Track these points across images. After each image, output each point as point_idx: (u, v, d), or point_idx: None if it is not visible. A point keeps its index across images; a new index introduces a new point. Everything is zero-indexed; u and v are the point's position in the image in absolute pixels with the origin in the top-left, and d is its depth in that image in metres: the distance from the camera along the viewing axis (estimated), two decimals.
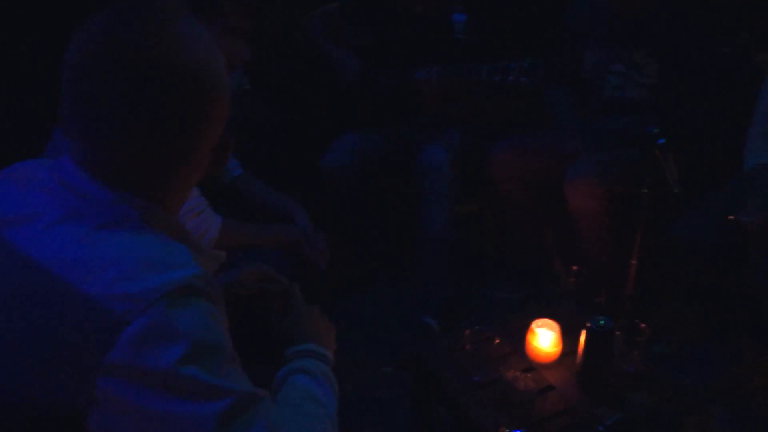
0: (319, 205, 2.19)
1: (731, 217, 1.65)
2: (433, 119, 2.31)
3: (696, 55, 1.93)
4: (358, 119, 2.37)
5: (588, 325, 1.41)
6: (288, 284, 1.17)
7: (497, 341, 1.53)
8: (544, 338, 1.54)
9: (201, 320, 0.70)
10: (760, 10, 2.67)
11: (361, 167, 2.24)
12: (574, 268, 1.74)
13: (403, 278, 2.37)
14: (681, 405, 1.44)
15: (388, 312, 2.30)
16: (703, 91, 1.97)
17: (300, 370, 0.94)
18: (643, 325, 1.51)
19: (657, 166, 1.49)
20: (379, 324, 2.25)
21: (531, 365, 1.54)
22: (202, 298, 0.71)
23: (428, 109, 2.22)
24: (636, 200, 1.66)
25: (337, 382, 0.98)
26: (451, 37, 2.22)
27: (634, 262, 1.63)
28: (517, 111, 2.50)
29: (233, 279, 1.16)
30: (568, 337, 1.55)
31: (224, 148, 0.87)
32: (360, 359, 2.07)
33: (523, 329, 1.57)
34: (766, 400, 1.83)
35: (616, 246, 1.98)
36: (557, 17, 2.28)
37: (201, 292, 0.71)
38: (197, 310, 0.70)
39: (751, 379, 1.88)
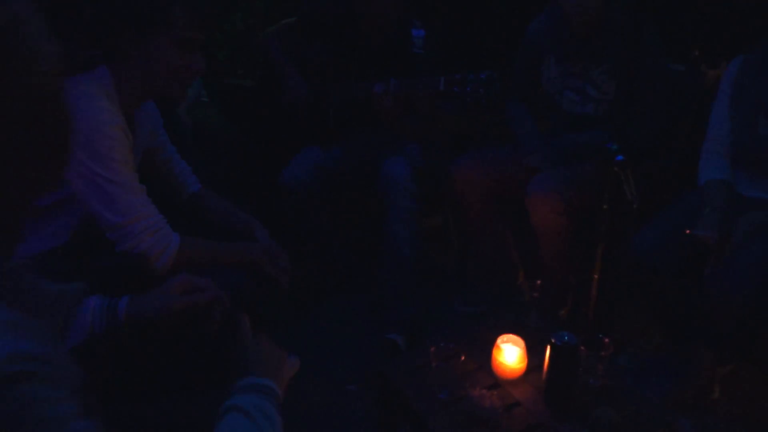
0: (280, 221, 2.15)
1: (688, 232, 1.68)
2: (394, 133, 2.30)
3: (650, 72, 1.98)
4: (317, 134, 2.34)
5: (552, 340, 1.41)
6: (229, 308, 1.11)
7: (462, 358, 1.51)
8: (510, 354, 1.53)
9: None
10: (709, 29, 2.77)
11: (321, 182, 2.22)
12: (538, 282, 1.74)
13: (368, 294, 2.35)
14: (646, 419, 1.45)
15: (352, 329, 2.28)
16: (657, 108, 2.02)
17: (233, 407, 0.88)
18: (606, 340, 1.52)
19: (616, 182, 1.51)
20: (344, 341, 2.22)
21: (497, 381, 1.53)
22: (23, 383, 0.56)
23: (387, 122, 2.22)
24: (596, 215, 1.67)
25: (280, 415, 0.93)
26: (409, 52, 2.22)
27: (596, 276, 1.65)
28: (476, 125, 2.51)
29: (163, 304, 1.10)
30: (534, 352, 1.55)
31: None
32: (325, 377, 2.03)
33: (489, 345, 1.56)
34: (725, 411, 1.88)
35: (578, 260, 2.00)
36: (515, 33, 2.32)
37: (19, 377, 0.55)
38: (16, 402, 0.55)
39: (711, 391, 1.92)
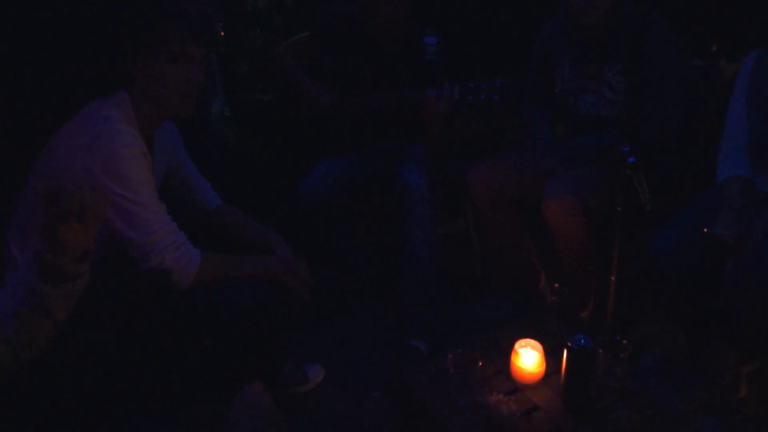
0: (300, 232, 2.20)
1: (705, 230, 1.66)
2: (422, 143, 2.29)
3: (661, 72, 1.96)
4: (335, 144, 2.38)
5: (568, 344, 1.41)
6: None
7: (480, 363, 1.53)
8: (528, 359, 1.54)
9: None
10: (727, 22, 2.72)
11: (339, 192, 2.25)
12: (556, 285, 1.75)
13: (389, 301, 2.38)
14: (667, 420, 1.44)
15: (375, 336, 2.30)
16: (670, 108, 2.00)
17: None
18: (624, 341, 1.52)
19: (629, 184, 1.51)
20: (367, 349, 2.24)
21: (516, 386, 1.54)
22: None
23: (438, 128, 2.16)
24: (612, 216, 1.67)
25: None
26: (423, 59, 2.24)
27: (613, 278, 1.65)
28: (493, 130, 2.52)
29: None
30: (552, 356, 1.55)
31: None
32: (348, 385, 2.06)
33: (508, 350, 1.58)
34: (753, 411, 1.85)
35: (596, 262, 1.99)
36: (528, 37, 2.32)
37: None
38: None
39: (736, 390, 1.89)
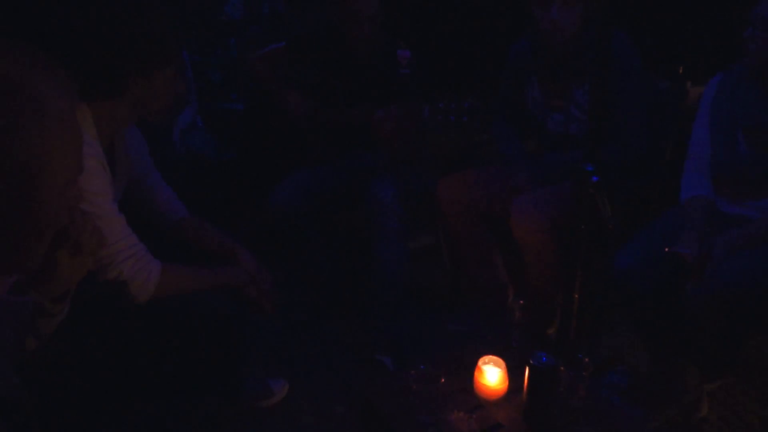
0: (270, 244, 2.18)
1: (667, 249, 1.69)
2: (390, 156, 2.32)
3: (624, 92, 1.99)
4: (306, 156, 2.37)
5: (531, 361, 1.41)
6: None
7: (443, 380, 1.52)
8: (491, 375, 1.54)
9: None
10: (693, 46, 2.79)
11: (310, 204, 2.24)
12: (521, 302, 1.75)
13: (357, 315, 2.36)
14: None
15: (342, 349, 2.29)
16: (633, 127, 2.03)
17: None
18: (586, 359, 1.53)
19: (593, 203, 1.52)
20: (334, 362, 2.23)
21: (479, 403, 1.54)
22: None
23: (385, 146, 2.23)
24: (577, 234, 1.68)
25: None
26: (396, 72, 2.25)
27: (576, 295, 1.66)
28: (462, 146, 2.54)
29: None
30: (516, 373, 1.55)
31: None
32: (313, 399, 2.04)
33: (471, 366, 1.57)
34: (714, 430, 1.87)
35: (562, 279, 2.01)
36: (498, 54, 2.34)
37: None
38: None
39: (698, 409, 1.91)
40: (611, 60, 1.97)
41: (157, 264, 1.50)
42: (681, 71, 2.38)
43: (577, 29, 2.00)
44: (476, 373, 1.55)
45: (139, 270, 1.46)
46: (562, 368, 1.49)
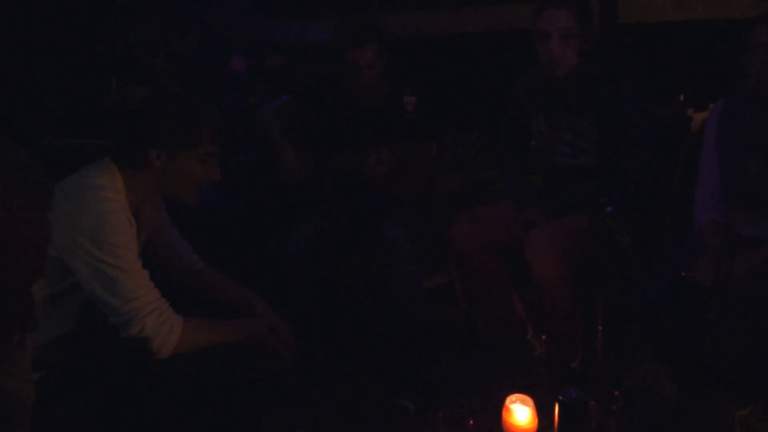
0: (284, 293, 2.17)
1: (683, 274, 1.68)
2: (390, 198, 2.35)
3: (630, 122, 2.02)
4: (316, 204, 2.39)
5: (560, 397, 1.39)
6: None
7: (471, 422, 1.49)
8: (520, 415, 1.51)
9: None
10: (692, 74, 2.83)
11: (322, 251, 2.25)
12: (543, 337, 1.74)
13: (376, 359, 2.34)
14: None
15: (363, 396, 2.25)
16: (642, 156, 2.05)
17: None
18: (616, 392, 1.50)
19: (609, 233, 1.52)
20: (354, 409, 2.19)
21: None
22: None
23: (382, 188, 2.27)
24: (594, 265, 1.68)
25: None
26: (402, 117, 2.30)
27: (600, 327, 1.64)
28: (471, 183, 2.56)
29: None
30: (544, 410, 1.53)
31: None
32: None
33: (498, 406, 1.55)
34: None
35: (582, 312, 1.99)
36: (503, 91, 2.38)
37: None
38: None
39: None
40: (617, 93, 2.01)
41: (178, 319, 1.50)
42: (682, 99, 2.41)
43: (577, 61, 2.04)
44: (504, 413, 1.53)
45: (162, 324, 1.46)
46: (592, 402, 1.46)
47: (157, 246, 1.74)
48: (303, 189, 2.40)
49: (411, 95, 2.30)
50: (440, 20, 3.57)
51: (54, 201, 0.81)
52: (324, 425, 2.09)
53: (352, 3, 3.48)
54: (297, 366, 1.79)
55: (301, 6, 3.91)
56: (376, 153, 2.19)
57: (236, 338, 1.60)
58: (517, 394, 1.54)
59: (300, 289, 2.25)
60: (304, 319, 2.20)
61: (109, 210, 1.44)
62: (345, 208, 2.40)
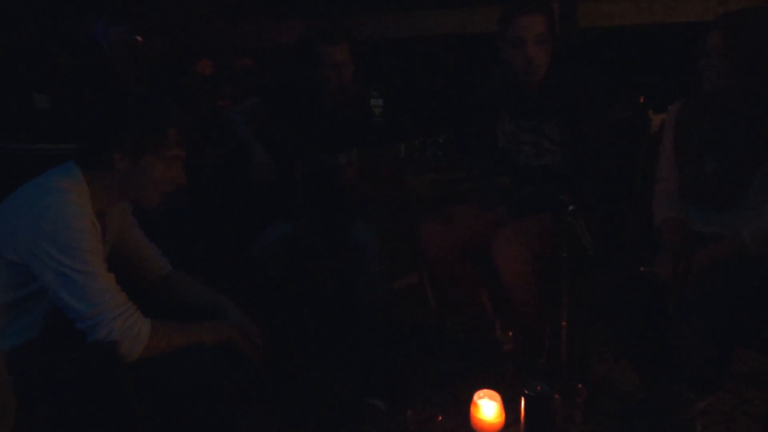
0: (254, 296, 2.17)
1: (642, 269, 1.74)
2: (359, 200, 2.37)
3: (594, 125, 2.07)
4: (285, 207, 2.39)
5: (526, 392, 1.43)
6: None
7: (440, 418, 1.52)
8: (487, 410, 1.55)
9: None
10: (652, 77, 2.92)
11: (292, 253, 2.25)
12: (510, 334, 1.77)
13: (347, 360, 2.35)
14: None
15: (334, 397, 2.26)
16: (604, 157, 2.10)
17: None
18: (580, 386, 1.54)
19: (571, 231, 1.57)
20: (326, 410, 2.20)
21: None
22: None
23: (352, 190, 2.29)
24: (558, 263, 1.72)
25: None
26: (369, 121, 2.31)
27: (564, 323, 1.68)
28: (440, 185, 2.59)
29: None
30: (511, 404, 1.56)
31: None
32: None
33: (467, 402, 1.58)
34: None
35: (548, 308, 2.04)
36: (470, 93, 2.42)
37: None
38: None
39: (692, 427, 1.92)
40: (581, 96, 2.06)
41: (146, 322, 1.49)
42: (642, 101, 2.48)
43: (547, 67, 2.08)
44: (472, 409, 1.56)
45: (129, 327, 1.45)
46: (556, 396, 1.50)
47: (124, 249, 1.72)
48: (273, 191, 2.40)
49: (378, 97, 2.32)
50: (407, 23, 3.61)
51: None
52: (295, 426, 2.09)
53: (319, 6, 3.50)
54: (267, 368, 1.79)
55: (269, 9, 3.91)
56: (344, 155, 2.21)
57: (206, 340, 1.59)
58: (485, 390, 1.58)
59: (270, 291, 2.24)
60: (274, 321, 2.19)
61: (73, 214, 1.43)
62: (314, 211, 2.41)
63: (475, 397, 1.56)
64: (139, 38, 3.07)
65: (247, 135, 2.40)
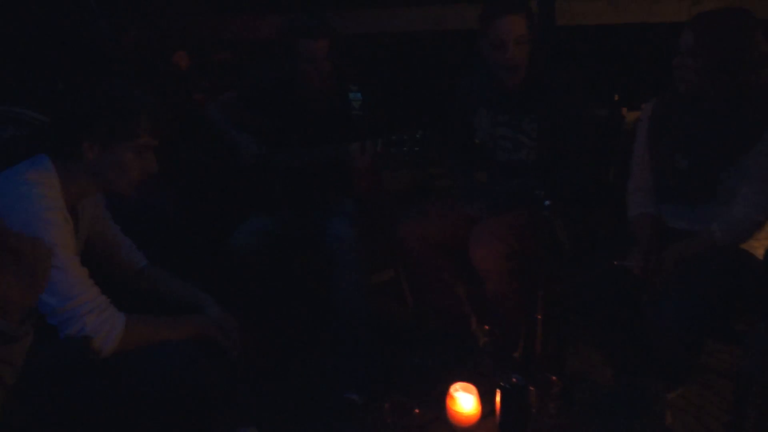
0: (232, 290, 2.16)
1: (615, 263, 1.77)
2: (340, 194, 2.36)
3: (572, 122, 2.10)
4: (263, 200, 2.38)
5: (501, 383, 1.44)
6: None
7: (417, 411, 1.53)
8: (464, 402, 1.56)
9: None
10: (627, 74, 2.96)
11: (270, 247, 2.24)
12: (486, 327, 1.79)
13: (322, 355, 2.35)
14: None
15: (311, 391, 2.26)
16: (581, 154, 2.13)
17: None
18: (554, 378, 1.57)
19: (547, 226, 1.59)
20: (302, 404, 2.20)
21: (454, 430, 1.56)
22: None
23: (363, 181, 2.26)
24: (535, 257, 1.75)
25: None
26: (348, 114, 2.31)
27: (540, 316, 1.71)
28: (418, 180, 2.60)
29: None
30: (488, 397, 1.58)
31: None
32: None
33: (443, 394, 1.59)
34: None
35: (524, 302, 2.06)
36: (448, 89, 2.44)
37: None
38: None
39: (662, 418, 1.97)
40: (558, 93, 2.09)
41: (120, 316, 1.48)
42: (617, 98, 2.51)
43: (528, 65, 2.10)
44: (449, 401, 1.57)
45: (103, 322, 1.43)
46: (531, 388, 1.52)
47: (98, 243, 1.70)
48: (251, 184, 2.38)
49: (356, 92, 2.32)
50: (385, 19, 3.61)
51: None
52: (272, 421, 2.09)
53: (299, 0, 3.48)
54: (245, 362, 1.78)
55: (248, 3, 3.88)
56: (359, 143, 2.15)
57: (182, 334, 1.58)
58: (461, 383, 1.59)
59: (247, 285, 2.23)
60: (252, 315, 2.19)
61: (44, 207, 1.41)
62: (292, 205, 2.40)
63: (451, 389, 1.57)
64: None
65: (228, 126, 2.38)
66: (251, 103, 2.43)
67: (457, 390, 1.57)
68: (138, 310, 1.55)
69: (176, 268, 1.86)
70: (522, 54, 2.07)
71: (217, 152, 2.42)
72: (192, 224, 2.52)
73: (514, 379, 1.44)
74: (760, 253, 1.85)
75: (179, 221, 2.47)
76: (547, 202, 1.56)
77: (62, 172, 1.48)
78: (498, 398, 1.47)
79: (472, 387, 1.58)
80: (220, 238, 2.27)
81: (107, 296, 1.49)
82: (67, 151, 1.48)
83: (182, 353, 1.57)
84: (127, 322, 1.48)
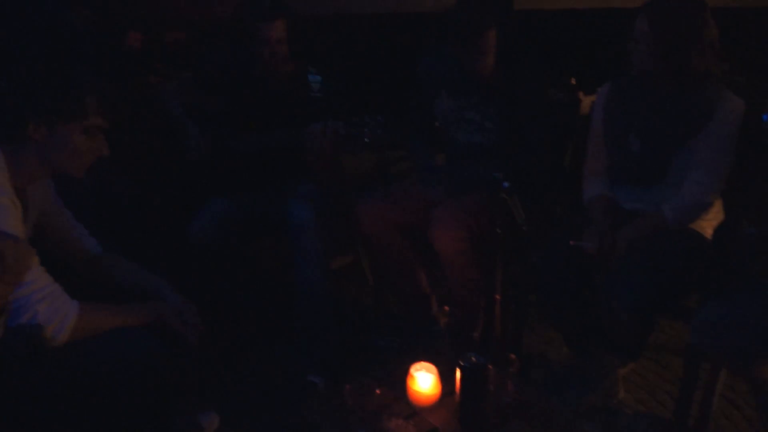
0: (191, 276, 2.13)
1: (572, 243, 1.82)
2: (324, 177, 2.34)
3: (531, 106, 2.13)
4: (221, 185, 2.35)
5: (461, 363, 1.46)
6: None
7: (378, 392, 1.54)
8: (424, 382, 1.57)
9: None
10: (584, 59, 3.01)
11: (229, 232, 2.22)
12: (446, 308, 1.81)
13: (284, 339, 2.35)
14: (556, 427, 1.53)
15: (273, 376, 2.26)
16: (539, 137, 2.17)
17: None
18: (512, 356, 1.60)
19: (506, 208, 1.61)
20: (263, 389, 2.20)
21: (414, 410, 1.57)
22: None
23: (320, 163, 2.25)
24: (494, 239, 1.77)
25: None
26: (308, 97, 2.28)
27: (498, 297, 1.73)
28: (378, 163, 2.60)
29: None
30: (448, 377, 1.60)
31: None
32: (247, 425, 2.00)
33: (403, 375, 1.61)
34: (633, 409, 2.00)
35: (483, 283, 2.09)
36: (409, 71, 2.43)
37: None
38: None
39: (615, 393, 2.04)
40: (518, 78, 2.11)
41: (74, 304, 1.44)
42: (573, 82, 2.55)
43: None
44: (409, 381, 1.59)
45: (55, 311, 1.40)
46: (490, 367, 1.55)
47: (48, 229, 1.65)
48: (208, 169, 2.34)
49: (316, 74, 2.29)
50: (344, 2, 3.58)
51: None
52: (234, 405, 2.08)
53: None
54: (205, 348, 1.76)
55: None
56: (320, 124, 2.12)
57: (139, 321, 1.56)
58: (421, 363, 1.60)
59: (207, 271, 2.21)
60: (212, 301, 2.16)
61: None
62: (252, 189, 2.37)
63: (412, 369, 1.59)
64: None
65: (179, 112, 2.33)
66: (208, 85, 2.38)
67: (417, 370, 1.58)
68: (94, 299, 1.51)
69: (133, 255, 1.82)
70: (491, 53, 2.09)
71: (170, 137, 2.37)
72: (148, 209, 2.47)
73: (473, 359, 1.46)
74: (709, 233, 1.92)
75: (134, 207, 2.41)
76: (505, 184, 1.58)
77: (8, 154, 1.43)
78: (458, 377, 1.49)
79: (432, 367, 1.59)
80: (178, 223, 2.23)
81: (61, 284, 1.45)
82: (11, 132, 1.43)
83: (138, 340, 1.54)
84: (81, 310, 1.45)
